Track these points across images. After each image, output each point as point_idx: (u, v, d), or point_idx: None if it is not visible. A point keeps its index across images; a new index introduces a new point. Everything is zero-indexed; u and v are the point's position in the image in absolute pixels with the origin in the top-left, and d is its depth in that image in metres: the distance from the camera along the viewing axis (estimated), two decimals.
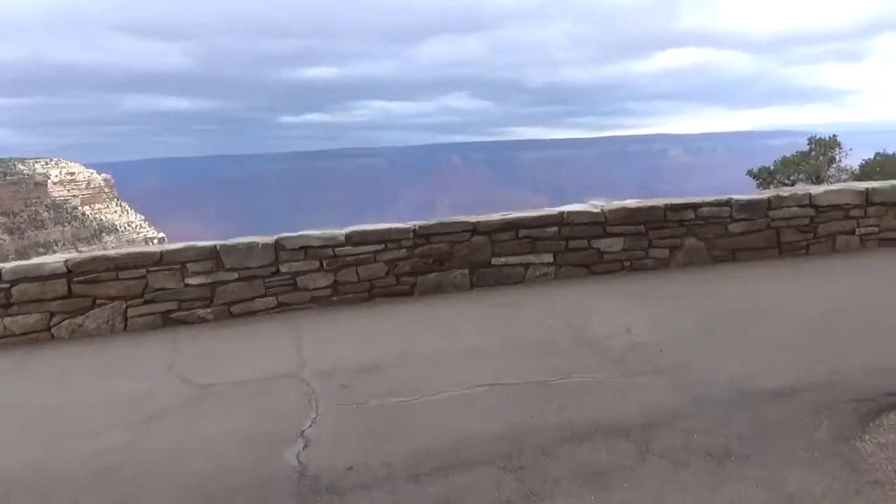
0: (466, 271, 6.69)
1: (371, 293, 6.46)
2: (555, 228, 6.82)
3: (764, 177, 16.84)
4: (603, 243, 6.94)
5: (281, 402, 4.20)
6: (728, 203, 7.15)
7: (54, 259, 6.02)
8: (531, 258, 6.80)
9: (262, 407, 4.12)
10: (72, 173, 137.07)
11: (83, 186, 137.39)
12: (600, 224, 6.92)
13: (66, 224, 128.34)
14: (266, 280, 6.20)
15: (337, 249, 6.34)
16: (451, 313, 5.97)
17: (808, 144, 16.95)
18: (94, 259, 5.90)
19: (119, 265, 5.89)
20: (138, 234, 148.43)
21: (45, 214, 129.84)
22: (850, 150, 16.53)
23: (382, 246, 6.44)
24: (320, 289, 6.34)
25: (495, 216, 6.82)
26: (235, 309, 6.16)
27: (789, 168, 16.50)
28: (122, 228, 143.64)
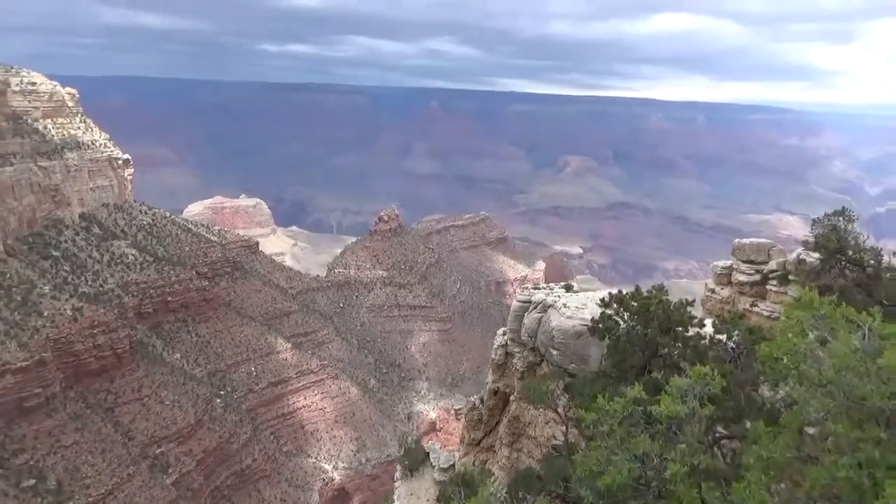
0: None
1: None
2: None
3: None
4: None
5: None
6: None
7: None
8: None
9: None
10: (33, 83, 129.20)
11: (45, 99, 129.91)
12: None
13: (24, 136, 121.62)
14: None
15: None
16: None
17: None
18: None
19: None
20: (102, 153, 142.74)
21: (4, 125, 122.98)
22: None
23: None
24: None
25: None
26: None
27: None
28: (86, 146, 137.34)
